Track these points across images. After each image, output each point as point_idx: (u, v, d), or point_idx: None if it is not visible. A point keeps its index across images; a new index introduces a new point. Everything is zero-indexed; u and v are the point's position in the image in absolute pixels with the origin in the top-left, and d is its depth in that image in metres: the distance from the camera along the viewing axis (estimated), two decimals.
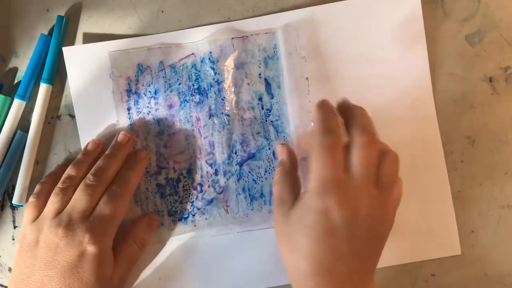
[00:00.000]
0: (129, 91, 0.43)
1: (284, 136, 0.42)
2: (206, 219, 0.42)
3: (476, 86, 0.43)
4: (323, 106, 0.37)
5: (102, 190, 0.39)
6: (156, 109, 0.43)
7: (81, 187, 0.39)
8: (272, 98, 0.43)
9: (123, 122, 0.43)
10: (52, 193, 0.39)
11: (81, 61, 0.43)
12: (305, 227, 0.34)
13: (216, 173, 0.42)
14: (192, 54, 0.43)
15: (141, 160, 0.42)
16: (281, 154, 0.41)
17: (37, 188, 0.41)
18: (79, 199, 0.38)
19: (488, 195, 0.43)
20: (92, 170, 0.40)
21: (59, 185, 0.39)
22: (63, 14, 0.44)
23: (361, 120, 0.36)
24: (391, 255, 0.42)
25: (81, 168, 0.40)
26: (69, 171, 0.40)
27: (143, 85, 0.43)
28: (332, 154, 0.34)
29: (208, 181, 0.43)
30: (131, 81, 0.43)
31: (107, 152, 0.41)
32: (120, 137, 0.42)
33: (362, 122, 0.36)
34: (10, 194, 0.43)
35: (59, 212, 0.38)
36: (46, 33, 0.44)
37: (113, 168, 0.40)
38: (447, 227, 0.42)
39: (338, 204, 0.33)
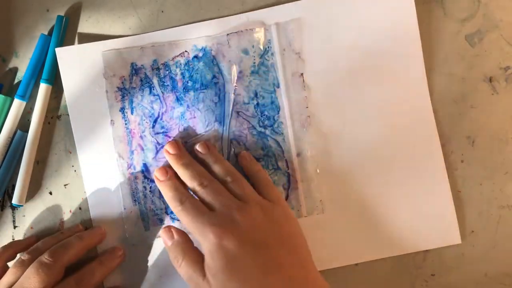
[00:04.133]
0: (123, 90, 0.43)
1: (279, 132, 0.42)
2: None
3: (476, 86, 0.43)
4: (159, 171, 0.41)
5: (57, 272, 0.38)
6: (151, 108, 0.43)
7: (34, 265, 0.37)
8: (268, 93, 0.43)
9: (118, 121, 0.43)
10: (13, 263, 0.39)
11: (75, 62, 0.43)
12: (219, 270, 0.35)
13: None
14: (186, 51, 0.43)
15: (115, 258, 0.42)
16: (169, 238, 0.39)
17: None
18: (28, 277, 0.37)
19: (488, 195, 0.43)
20: (51, 248, 0.39)
21: (23, 255, 0.39)
22: (63, 14, 0.44)
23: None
24: (390, 245, 0.42)
25: (51, 244, 0.40)
26: (40, 243, 0.40)
27: (137, 84, 0.43)
28: (191, 212, 0.37)
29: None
30: (125, 80, 0.43)
31: (76, 234, 0.41)
32: (95, 228, 0.42)
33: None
34: (10, 194, 0.43)
35: (10, 286, 0.37)
36: (46, 33, 0.44)
37: (73, 252, 0.39)
38: (447, 217, 0.42)
39: (221, 234, 0.35)
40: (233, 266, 0.35)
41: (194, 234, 0.37)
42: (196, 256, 0.37)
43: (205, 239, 0.36)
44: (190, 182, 0.39)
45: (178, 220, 0.43)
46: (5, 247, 0.41)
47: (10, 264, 0.40)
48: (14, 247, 0.41)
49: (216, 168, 0.40)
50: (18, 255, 0.41)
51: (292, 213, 0.40)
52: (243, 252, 0.35)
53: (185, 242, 0.39)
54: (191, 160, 0.40)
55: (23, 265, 0.38)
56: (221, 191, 0.38)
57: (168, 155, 0.41)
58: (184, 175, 0.40)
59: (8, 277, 0.38)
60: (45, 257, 0.38)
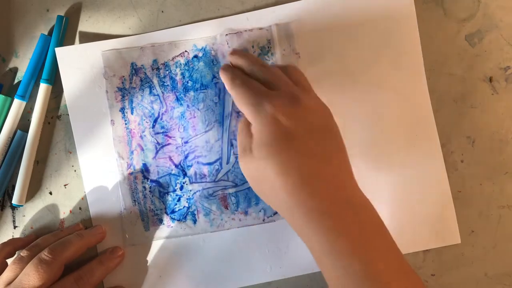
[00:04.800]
0: (123, 90, 0.43)
1: None
2: (206, 215, 0.42)
3: (476, 86, 0.43)
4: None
5: (57, 270, 0.38)
6: (151, 108, 0.43)
7: (34, 261, 0.37)
8: None
9: (118, 121, 0.43)
10: (13, 260, 0.39)
11: (74, 61, 0.43)
12: (267, 143, 0.34)
13: (214, 169, 0.43)
14: (186, 51, 0.43)
15: (115, 258, 0.42)
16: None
17: None
18: (27, 274, 0.37)
19: (488, 195, 0.43)
20: (50, 245, 0.39)
21: (22, 252, 0.39)
22: (63, 14, 0.44)
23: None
24: None
25: (51, 241, 0.40)
26: (39, 240, 0.40)
27: (137, 84, 0.43)
28: (250, 88, 0.36)
29: (206, 177, 0.43)
30: (125, 80, 0.43)
31: (76, 232, 0.41)
32: (95, 227, 0.42)
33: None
34: (10, 194, 0.43)
35: (9, 282, 0.37)
36: (46, 33, 0.44)
37: (73, 249, 0.39)
38: (447, 217, 0.42)
39: (277, 109, 0.34)
40: (281, 142, 0.34)
41: (248, 110, 0.35)
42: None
43: (259, 113, 0.34)
44: (249, 66, 0.38)
45: (178, 220, 0.43)
46: (4, 244, 0.41)
47: (9, 261, 0.40)
48: (13, 244, 0.41)
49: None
50: (17, 252, 0.41)
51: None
52: (297, 132, 0.34)
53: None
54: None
55: (22, 262, 0.38)
56: (282, 75, 0.37)
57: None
58: (241, 60, 0.39)
59: (7, 273, 0.38)
60: (44, 254, 0.38)
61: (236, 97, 0.36)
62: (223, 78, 0.38)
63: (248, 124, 0.36)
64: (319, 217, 0.32)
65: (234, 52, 0.39)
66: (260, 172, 0.34)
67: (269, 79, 0.37)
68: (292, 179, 0.33)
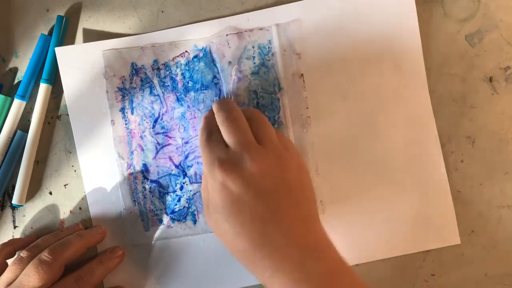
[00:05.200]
0: (123, 90, 0.43)
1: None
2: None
3: (476, 86, 0.43)
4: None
5: (57, 270, 0.38)
6: (151, 108, 0.43)
7: (34, 262, 0.37)
8: (268, 94, 0.43)
9: (118, 121, 0.43)
10: (13, 260, 0.39)
11: (74, 61, 0.43)
12: (218, 208, 0.35)
13: None
14: (186, 51, 0.43)
15: (115, 258, 0.42)
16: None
17: None
18: (28, 275, 0.37)
19: (488, 195, 0.43)
20: (51, 246, 0.39)
21: (22, 253, 0.39)
22: (63, 14, 0.44)
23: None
24: (390, 246, 0.42)
25: (51, 242, 0.40)
26: (39, 241, 0.40)
27: (137, 84, 0.43)
28: (209, 144, 0.37)
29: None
30: (125, 80, 0.43)
31: (76, 232, 0.41)
32: (95, 227, 0.42)
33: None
34: (10, 194, 0.43)
35: (9, 283, 0.37)
36: (46, 33, 0.44)
37: (73, 250, 0.39)
38: (446, 218, 0.42)
39: (227, 176, 0.35)
40: (232, 208, 0.34)
41: (205, 169, 0.36)
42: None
43: (211, 175, 0.35)
44: (217, 114, 0.38)
45: (178, 221, 0.43)
46: (4, 244, 0.41)
47: (9, 261, 0.40)
48: (13, 244, 0.41)
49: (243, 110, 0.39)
50: (17, 253, 0.41)
51: (306, 166, 0.39)
52: (244, 197, 0.34)
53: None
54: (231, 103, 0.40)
55: (22, 263, 0.38)
56: (242, 130, 0.37)
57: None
58: (215, 105, 0.39)
59: (7, 274, 0.38)
60: (44, 255, 0.38)
61: (200, 152, 0.38)
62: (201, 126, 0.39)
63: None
64: (273, 275, 0.33)
65: (216, 101, 0.39)
66: (220, 230, 0.36)
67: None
68: (243, 244, 0.34)
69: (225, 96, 0.43)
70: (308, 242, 0.34)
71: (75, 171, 0.43)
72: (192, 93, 0.43)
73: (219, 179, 0.35)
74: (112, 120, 0.43)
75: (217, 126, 0.38)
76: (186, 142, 0.43)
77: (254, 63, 0.43)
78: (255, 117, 0.38)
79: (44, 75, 0.43)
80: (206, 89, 0.43)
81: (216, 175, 0.35)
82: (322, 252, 0.34)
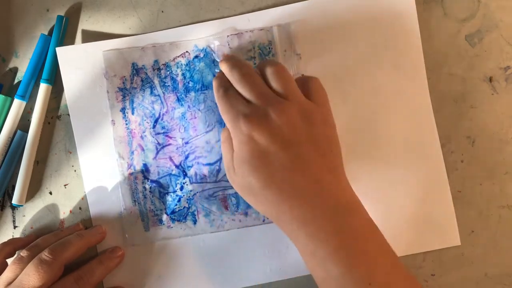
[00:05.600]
0: (124, 91, 0.43)
1: None
2: (206, 216, 0.42)
3: (476, 86, 0.43)
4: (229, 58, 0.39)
5: (57, 270, 0.38)
6: (152, 108, 0.43)
7: (34, 262, 0.37)
8: None
9: (118, 121, 0.43)
10: (13, 260, 0.39)
11: (75, 61, 0.43)
12: (245, 162, 0.35)
13: (214, 170, 0.43)
14: (187, 52, 0.43)
15: (115, 258, 0.42)
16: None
17: None
18: (28, 274, 0.37)
19: (488, 195, 0.43)
20: (51, 245, 0.39)
21: (22, 252, 0.39)
22: (63, 14, 0.44)
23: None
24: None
25: (51, 241, 0.40)
26: (39, 240, 0.40)
27: (138, 84, 0.43)
28: (228, 100, 0.37)
29: (206, 178, 0.43)
30: (125, 80, 0.43)
31: (76, 232, 0.41)
32: (95, 227, 0.42)
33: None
34: (10, 194, 0.43)
35: (9, 282, 0.37)
36: (46, 33, 0.44)
37: (73, 250, 0.39)
38: (446, 218, 0.42)
39: (252, 127, 0.35)
40: (259, 160, 0.34)
41: (227, 124, 0.36)
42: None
43: (236, 129, 0.35)
44: (230, 73, 0.38)
45: (178, 221, 0.43)
46: (4, 244, 0.41)
47: (9, 261, 0.40)
48: (13, 244, 0.41)
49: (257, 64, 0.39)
50: (17, 252, 0.41)
51: (333, 119, 0.38)
52: (271, 148, 0.34)
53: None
54: (240, 58, 0.40)
55: (22, 262, 0.38)
56: (259, 83, 0.37)
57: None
58: (225, 65, 0.38)
59: (7, 274, 0.38)
60: (44, 254, 0.38)
61: (219, 108, 0.37)
62: (213, 86, 0.39)
63: (229, 135, 0.37)
64: (301, 225, 0.34)
65: (224, 60, 0.39)
66: (246, 186, 0.36)
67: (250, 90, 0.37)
68: (273, 195, 0.34)
69: None
70: (337, 194, 0.34)
71: (75, 171, 0.43)
72: (192, 93, 0.43)
73: (246, 132, 0.35)
74: (112, 120, 0.43)
75: (230, 83, 0.38)
76: (187, 142, 0.43)
77: (255, 63, 0.43)
78: (273, 71, 0.37)
79: (44, 75, 0.43)
80: (206, 89, 0.43)
81: (242, 128, 0.35)
82: (354, 205, 0.35)
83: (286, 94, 0.36)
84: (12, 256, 0.41)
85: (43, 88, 0.43)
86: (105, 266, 0.41)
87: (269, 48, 0.43)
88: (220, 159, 0.43)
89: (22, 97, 0.43)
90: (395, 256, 0.35)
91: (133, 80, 0.43)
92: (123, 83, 0.43)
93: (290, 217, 0.34)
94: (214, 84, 0.38)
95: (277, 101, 0.35)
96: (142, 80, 0.43)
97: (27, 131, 0.43)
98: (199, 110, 0.43)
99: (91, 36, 0.44)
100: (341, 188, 0.35)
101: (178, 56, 0.43)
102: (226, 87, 0.37)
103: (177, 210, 0.43)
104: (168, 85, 0.43)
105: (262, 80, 0.37)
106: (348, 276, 0.32)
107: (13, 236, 0.44)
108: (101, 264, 0.41)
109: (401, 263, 0.35)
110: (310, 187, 0.34)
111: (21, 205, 0.43)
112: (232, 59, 0.39)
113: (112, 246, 0.42)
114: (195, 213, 0.43)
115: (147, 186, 0.43)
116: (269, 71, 0.37)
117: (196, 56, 0.43)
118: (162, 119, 0.43)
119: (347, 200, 0.35)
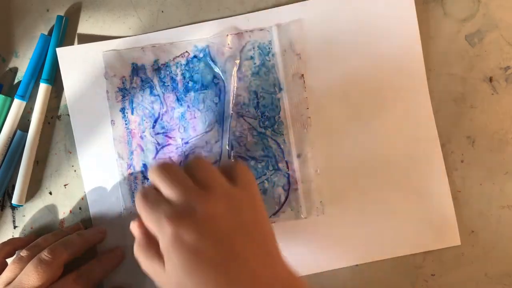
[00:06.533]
0: (123, 91, 0.43)
1: (280, 133, 0.42)
2: None
3: (476, 86, 0.43)
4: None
5: (56, 270, 0.38)
6: (151, 108, 0.43)
7: (34, 261, 0.37)
8: (268, 94, 0.43)
9: (118, 121, 0.43)
10: (12, 260, 0.39)
11: (75, 62, 0.43)
12: (176, 268, 0.32)
13: None
14: (186, 52, 0.43)
15: (115, 258, 0.41)
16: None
17: None
18: (27, 274, 0.37)
19: (488, 195, 0.43)
20: (50, 245, 0.38)
21: (22, 252, 0.39)
22: (63, 14, 0.44)
23: None
24: (390, 247, 0.42)
25: (51, 241, 0.40)
26: (39, 240, 0.40)
27: (137, 84, 0.43)
28: (148, 203, 0.34)
29: None
30: (125, 80, 0.43)
31: (76, 232, 0.41)
32: (95, 227, 0.42)
33: None
34: (10, 194, 0.43)
35: (9, 282, 0.37)
36: (46, 33, 0.44)
37: (73, 250, 0.39)
38: (447, 218, 0.42)
39: (178, 225, 0.32)
40: (191, 262, 0.31)
41: (152, 229, 0.33)
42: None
43: (161, 232, 0.32)
44: (151, 176, 0.35)
45: None
46: (4, 244, 0.41)
47: (9, 261, 0.40)
48: (13, 244, 0.41)
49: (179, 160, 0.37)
50: (17, 252, 0.41)
51: (261, 200, 0.36)
52: (203, 246, 0.31)
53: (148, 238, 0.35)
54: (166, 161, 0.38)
55: (22, 262, 0.38)
56: (181, 179, 0.34)
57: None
58: (149, 173, 0.36)
59: (7, 273, 0.38)
60: (44, 254, 0.38)
61: (142, 218, 0.34)
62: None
63: (148, 235, 0.34)
64: None
65: (149, 170, 0.36)
66: (180, 284, 0.32)
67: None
68: None
69: (225, 96, 0.43)
70: (274, 284, 0.32)
71: (75, 171, 0.43)
72: (192, 93, 0.43)
73: (170, 232, 0.31)
74: (112, 120, 0.43)
75: (151, 188, 0.35)
76: (186, 143, 0.43)
77: (255, 63, 0.43)
78: (193, 164, 0.36)
79: (44, 75, 0.43)
80: (206, 89, 0.43)
81: (166, 229, 0.32)
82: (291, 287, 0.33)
83: (209, 184, 0.34)
84: (12, 256, 0.41)
85: (43, 88, 0.43)
86: (105, 266, 0.41)
87: (269, 48, 0.43)
88: (220, 160, 0.43)
89: (22, 97, 0.43)
90: None
91: (132, 80, 0.43)
92: (123, 83, 0.43)
93: None
94: (135, 198, 0.35)
95: (200, 194, 0.33)
96: (141, 80, 0.43)
97: (27, 131, 0.43)
98: (198, 110, 0.43)
99: (91, 36, 0.44)
100: (280, 274, 0.33)
101: (178, 56, 0.43)
102: (145, 193, 0.35)
103: None
104: (168, 85, 0.43)
105: (186, 176, 0.35)
106: None
107: (13, 236, 0.44)
108: (101, 264, 0.41)
109: None
110: (246, 279, 0.31)
111: (21, 205, 0.43)
112: (154, 164, 0.37)
113: (112, 246, 0.42)
114: None
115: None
116: (190, 166, 0.35)
117: (196, 56, 0.43)
118: (161, 119, 0.43)
119: (283, 285, 0.32)
